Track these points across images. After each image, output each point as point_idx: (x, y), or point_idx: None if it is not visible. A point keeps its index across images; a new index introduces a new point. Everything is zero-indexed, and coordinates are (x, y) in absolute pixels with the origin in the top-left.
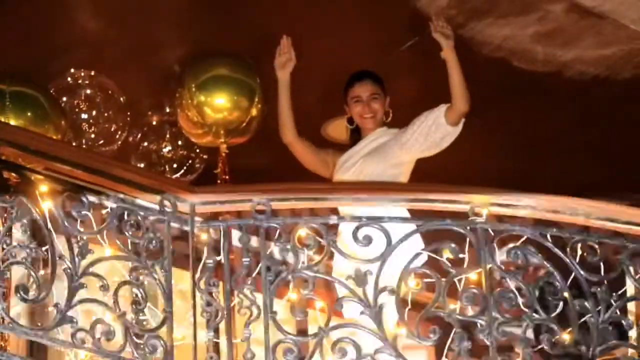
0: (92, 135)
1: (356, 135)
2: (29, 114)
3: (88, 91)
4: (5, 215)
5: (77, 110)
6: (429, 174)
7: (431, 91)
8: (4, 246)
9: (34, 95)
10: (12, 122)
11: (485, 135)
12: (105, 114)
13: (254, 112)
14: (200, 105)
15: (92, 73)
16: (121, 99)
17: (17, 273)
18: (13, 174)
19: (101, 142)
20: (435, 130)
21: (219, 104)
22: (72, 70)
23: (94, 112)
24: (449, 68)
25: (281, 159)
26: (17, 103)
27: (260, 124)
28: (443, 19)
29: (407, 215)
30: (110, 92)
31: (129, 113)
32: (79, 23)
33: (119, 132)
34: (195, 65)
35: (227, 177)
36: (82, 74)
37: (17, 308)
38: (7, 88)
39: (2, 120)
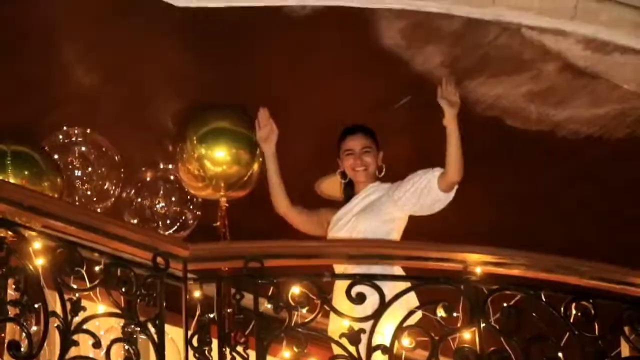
0: (87, 192)
1: (349, 190)
2: (26, 172)
3: (82, 148)
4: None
5: (70, 167)
6: (422, 228)
7: (425, 149)
8: None
9: (30, 154)
10: (12, 181)
11: (478, 192)
12: (99, 171)
13: (255, 166)
14: (201, 158)
15: (87, 130)
16: (115, 157)
17: (10, 330)
18: (10, 233)
19: (95, 198)
20: (427, 194)
21: (220, 157)
22: (65, 127)
23: (88, 169)
24: (448, 136)
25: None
26: (16, 162)
27: (260, 178)
28: (454, 84)
29: (402, 273)
30: (103, 149)
31: (122, 170)
32: (73, 78)
33: (113, 189)
34: (196, 118)
35: (225, 230)
36: (76, 132)
37: None
38: (8, 148)
39: (2, 179)
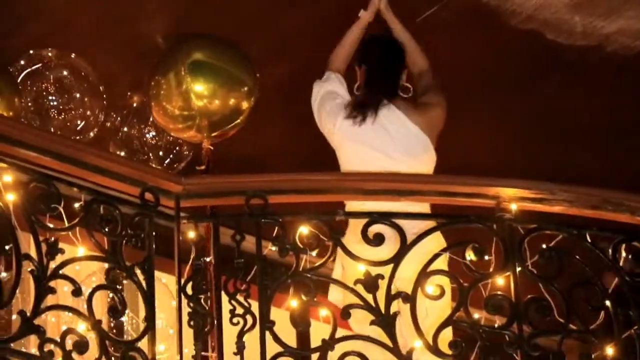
0: (66, 123)
1: None
2: None
3: (56, 73)
4: None
5: (44, 94)
6: (450, 162)
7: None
8: None
9: None
10: None
11: (514, 120)
12: (78, 98)
13: (243, 104)
14: (181, 94)
15: (61, 52)
16: (96, 81)
17: None
18: None
19: (75, 129)
20: None
21: (198, 92)
22: (32, 50)
23: (64, 97)
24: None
25: (275, 152)
26: None
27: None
28: None
29: (427, 210)
30: (82, 73)
31: (104, 96)
32: None
33: (94, 118)
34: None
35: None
36: (49, 54)
37: None
38: None
39: None
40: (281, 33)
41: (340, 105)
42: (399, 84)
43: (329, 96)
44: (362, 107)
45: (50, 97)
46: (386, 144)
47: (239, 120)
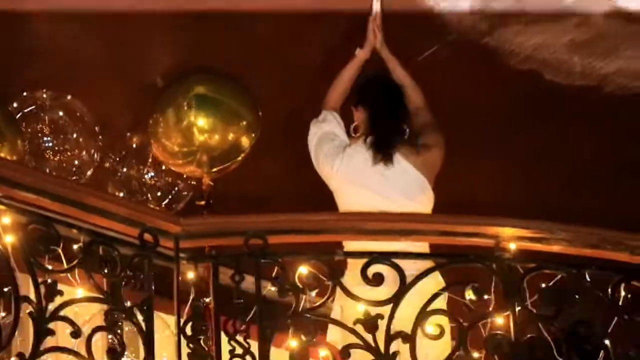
0: (62, 165)
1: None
2: None
3: (51, 114)
4: None
5: (39, 135)
6: (449, 201)
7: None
8: None
9: None
10: None
11: (514, 158)
12: (73, 139)
13: (243, 140)
14: (190, 127)
15: (58, 93)
16: (92, 122)
17: None
18: None
19: (70, 170)
20: None
21: (200, 126)
22: (26, 92)
23: (60, 138)
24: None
25: (275, 189)
26: None
27: (251, 154)
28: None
29: (425, 250)
30: (77, 114)
31: (100, 137)
32: (42, 33)
33: (90, 159)
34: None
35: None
36: (44, 95)
37: None
38: None
39: None
40: (285, 70)
41: (339, 147)
42: (401, 126)
43: (326, 137)
44: (383, 150)
45: (45, 138)
46: (383, 185)
47: (239, 157)
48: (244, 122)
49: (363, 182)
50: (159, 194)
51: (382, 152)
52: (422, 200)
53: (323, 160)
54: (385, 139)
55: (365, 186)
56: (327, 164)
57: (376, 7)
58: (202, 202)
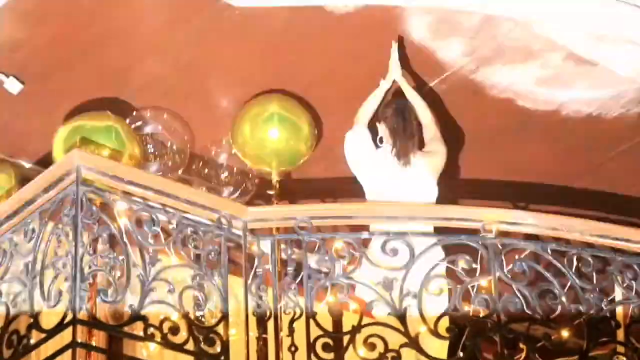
0: (160, 165)
1: None
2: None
3: (152, 128)
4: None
5: (145, 144)
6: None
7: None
8: (88, 256)
9: (115, 127)
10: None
11: (494, 162)
12: (169, 146)
13: (302, 147)
14: (257, 140)
15: (155, 111)
16: (185, 137)
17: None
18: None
19: (169, 170)
20: None
21: (273, 139)
22: (139, 110)
23: (159, 145)
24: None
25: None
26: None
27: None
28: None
29: (431, 231)
30: (172, 128)
31: (188, 145)
32: (148, 68)
33: (181, 162)
34: (253, 104)
35: (277, 199)
36: (147, 114)
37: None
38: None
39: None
40: (339, 93)
41: (369, 153)
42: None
43: (359, 145)
44: (403, 156)
45: (148, 146)
46: (403, 181)
47: (300, 161)
48: (304, 134)
49: (389, 178)
50: (231, 189)
51: (403, 157)
52: (429, 193)
53: (358, 161)
54: (404, 148)
55: (390, 181)
56: (361, 164)
57: (394, 45)
58: (272, 192)
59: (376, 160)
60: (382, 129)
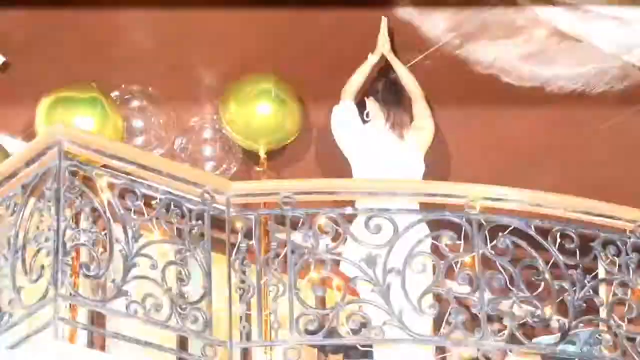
0: (145, 141)
1: None
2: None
3: (142, 102)
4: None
5: (130, 119)
6: (431, 173)
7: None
8: (70, 230)
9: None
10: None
11: (481, 140)
12: (154, 122)
13: (288, 123)
14: (244, 115)
15: (149, 88)
16: (171, 112)
17: (81, 253)
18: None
19: (152, 145)
20: None
21: (261, 113)
22: (123, 85)
23: (145, 121)
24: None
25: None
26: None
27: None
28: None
29: (416, 207)
30: (158, 103)
31: (174, 121)
32: (133, 42)
33: (167, 137)
34: (238, 81)
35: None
36: (135, 88)
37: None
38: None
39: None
40: (324, 68)
41: (356, 127)
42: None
43: (346, 119)
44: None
45: (134, 121)
46: (394, 155)
47: (289, 139)
48: (293, 111)
49: (379, 152)
50: (214, 164)
51: (398, 129)
52: (417, 169)
53: (346, 136)
54: (399, 120)
55: (380, 155)
56: (349, 139)
57: (384, 19)
58: (260, 169)
59: (366, 135)
60: (372, 104)
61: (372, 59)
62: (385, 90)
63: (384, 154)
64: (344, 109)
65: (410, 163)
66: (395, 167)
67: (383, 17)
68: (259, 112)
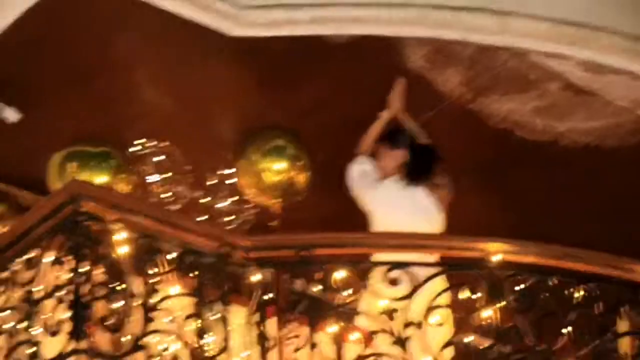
0: (161, 195)
1: None
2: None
3: (157, 158)
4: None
5: (146, 174)
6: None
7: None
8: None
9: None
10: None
11: (492, 195)
12: (170, 177)
13: (301, 178)
14: (260, 171)
15: (163, 143)
16: (185, 165)
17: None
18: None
19: (169, 200)
20: None
21: (275, 169)
22: (143, 140)
23: (162, 176)
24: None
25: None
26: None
27: (308, 188)
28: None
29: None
30: (174, 158)
31: (191, 176)
32: (148, 98)
33: (184, 192)
34: (253, 138)
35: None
36: (151, 144)
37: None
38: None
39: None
40: (334, 122)
41: (374, 181)
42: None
43: (364, 173)
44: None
45: (151, 176)
46: (411, 210)
47: (299, 192)
48: (301, 162)
49: (397, 206)
50: (232, 218)
51: (414, 184)
52: (437, 222)
53: (363, 189)
54: (418, 177)
55: (399, 209)
56: (366, 192)
57: (402, 79)
58: (274, 223)
59: (387, 188)
60: (396, 156)
61: (385, 116)
62: (412, 154)
63: (400, 207)
64: (361, 164)
65: (427, 217)
66: (412, 222)
67: (400, 77)
68: (272, 168)
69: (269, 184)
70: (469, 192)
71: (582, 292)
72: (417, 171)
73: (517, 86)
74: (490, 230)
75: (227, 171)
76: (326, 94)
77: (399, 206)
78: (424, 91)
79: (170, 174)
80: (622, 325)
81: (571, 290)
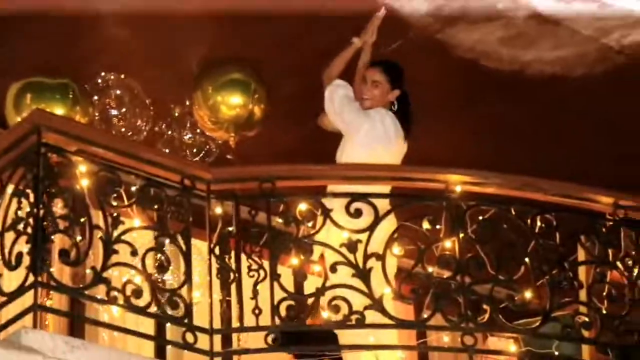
0: (122, 129)
1: None
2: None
3: (117, 91)
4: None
5: (108, 107)
6: (411, 159)
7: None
8: (50, 217)
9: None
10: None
11: (461, 125)
12: (132, 110)
13: (257, 110)
14: (216, 105)
15: (121, 76)
16: (147, 100)
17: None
18: (54, 156)
19: (130, 133)
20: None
21: (232, 103)
22: (103, 73)
23: (122, 109)
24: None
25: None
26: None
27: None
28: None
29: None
30: (135, 92)
31: (152, 109)
32: (108, 31)
33: (144, 125)
34: (210, 71)
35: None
36: (112, 77)
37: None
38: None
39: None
40: (298, 55)
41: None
42: None
43: (349, 97)
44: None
45: (111, 109)
46: (398, 145)
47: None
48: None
49: (388, 139)
50: (194, 150)
51: (408, 125)
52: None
53: (352, 113)
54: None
55: (388, 141)
56: (356, 117)
57: (382, 11)
58: (231, 157)
59: (382, 118)
60: (394, 93)
61: (357, 44)
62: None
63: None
64: (345, 86)
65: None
66: (396, 153)
67: (384, 8)
68: (227, 102)
69: (223, 118)
70: (438, 122)
71: (540, 223)
72: (408, 120)
73: (483, 16)
74: (458, 161)
75: (187, 104)
76: (290, 30)
77: (395, 143)
78: (390, 21)
79: (130, 107)
80: (582, 255)
81: (530, 220)
